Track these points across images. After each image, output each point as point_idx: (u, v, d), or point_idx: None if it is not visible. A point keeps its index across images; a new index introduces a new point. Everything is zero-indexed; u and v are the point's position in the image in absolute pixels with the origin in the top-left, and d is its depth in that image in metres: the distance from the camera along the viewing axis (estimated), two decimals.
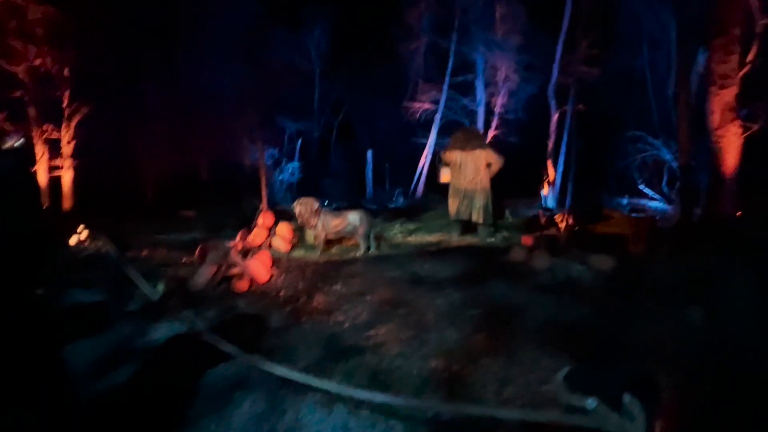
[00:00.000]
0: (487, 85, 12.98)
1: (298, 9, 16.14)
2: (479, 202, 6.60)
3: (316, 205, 5.78)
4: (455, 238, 6.82)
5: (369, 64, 16.54)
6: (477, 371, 2.52)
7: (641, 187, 8.72)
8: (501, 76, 12.69)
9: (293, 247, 6.15)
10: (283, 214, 7.71)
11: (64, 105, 8.38)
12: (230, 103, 11.13)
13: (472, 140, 6.73)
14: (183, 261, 5.32)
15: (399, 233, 7.35)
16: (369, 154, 13.62)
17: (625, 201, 8.44)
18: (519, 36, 12.51)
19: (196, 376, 2.25)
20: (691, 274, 3.37)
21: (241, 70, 11.33)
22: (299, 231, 6.59)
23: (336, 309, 3.71)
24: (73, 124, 8.48)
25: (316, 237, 5.83)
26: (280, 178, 13.70)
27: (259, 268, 4.33)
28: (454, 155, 6.78)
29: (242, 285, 4.12)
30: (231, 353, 2.24)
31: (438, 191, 12.98)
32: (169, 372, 2.37)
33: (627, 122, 10.49)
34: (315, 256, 5.70)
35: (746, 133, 5.96)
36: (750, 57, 6.05)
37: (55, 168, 8.28)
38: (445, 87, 13.29)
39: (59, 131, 8.36)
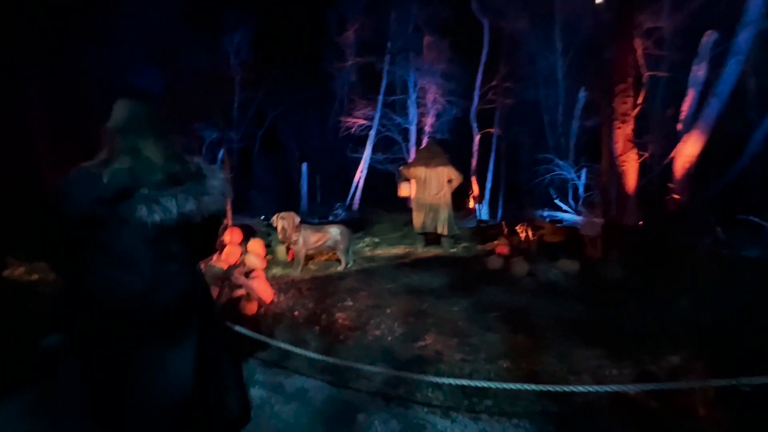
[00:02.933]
0: (417, 105, 13.88)
1: (218, 12, 15.21)
2: (443, 215, 7.07)
3: (297, 219, 5.57)
4: (420, 250, 7.15)
5: (296, 76, 16.28)
6: (545, 366, 2.80)
7: (557, 201, 10.32)
8: (430, 98, 13.72)
9: (267, 264, 5.78)
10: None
11: None
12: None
13: (436, 158, 7.22)
14: None
15: (366, 247, 7.42)
16: (304, 166, 13.37)
17: (546, 213, 9.90)
18: (444, 64, 13.73)
19: (314, 401, 2.09)
20: (654, 270, 4.23)
21: (155, 69, 10.26)
22: (268, 247, 6.22)
23: (365, 324, 3.68)
24: None
25: (296, 253, 5.60)
26: None
27: (265, 288, 4.03)
28: (418, 171, 7.17)
29: (251, 307, 3.80)
30: (379, 371, 2.15)
31: (375, 204, 13.30)
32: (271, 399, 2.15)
33: (537, 146, 12.31)
34: (296, 272, 5.47)
35: (641, 159, 7.64)
36: (639, 100, 7.87)
37: None
38: (379, 105, 13.82)
39: None
